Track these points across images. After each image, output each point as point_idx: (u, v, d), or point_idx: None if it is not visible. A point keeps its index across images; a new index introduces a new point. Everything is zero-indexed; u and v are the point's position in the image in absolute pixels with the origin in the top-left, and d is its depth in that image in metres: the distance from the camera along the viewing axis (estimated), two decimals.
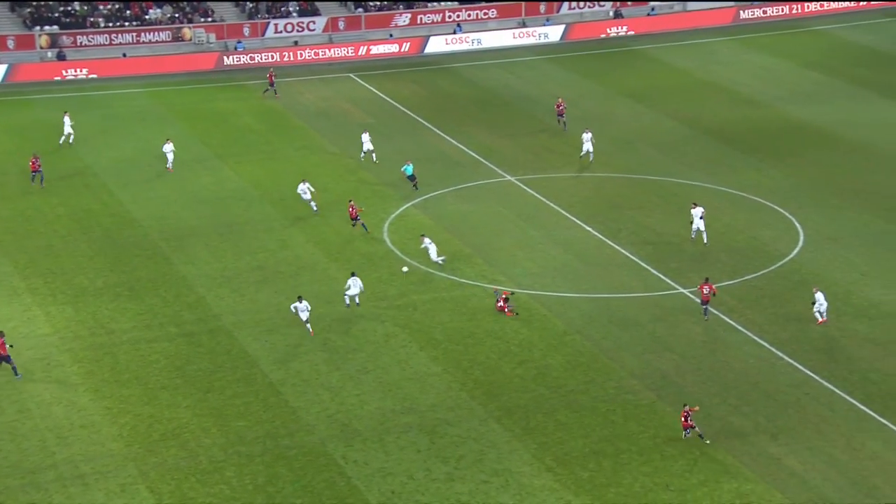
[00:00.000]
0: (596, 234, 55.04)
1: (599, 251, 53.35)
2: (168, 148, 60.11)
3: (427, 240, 50.78)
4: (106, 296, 48.16)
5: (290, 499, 36.42)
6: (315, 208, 56.00)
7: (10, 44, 76.91)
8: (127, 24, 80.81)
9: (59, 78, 76.14)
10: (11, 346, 42.27)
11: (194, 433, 39.53)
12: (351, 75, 79.26)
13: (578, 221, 56.34)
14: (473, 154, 65.17)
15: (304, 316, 45.28)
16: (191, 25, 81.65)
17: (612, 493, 36.62)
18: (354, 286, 46.85)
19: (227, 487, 36.89)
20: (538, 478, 37.40)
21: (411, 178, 58.80)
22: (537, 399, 41.67)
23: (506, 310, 46.83)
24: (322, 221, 55.89)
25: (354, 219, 53.78)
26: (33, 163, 57.25)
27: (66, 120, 64.38)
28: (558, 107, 67.57)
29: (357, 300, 47.06)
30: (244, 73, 79.12)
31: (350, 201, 54.33)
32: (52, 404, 40.79)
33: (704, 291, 46.31)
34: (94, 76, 76.77)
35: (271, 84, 73.69)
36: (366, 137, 62.58)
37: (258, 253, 52.62)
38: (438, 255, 50.69)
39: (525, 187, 60.55)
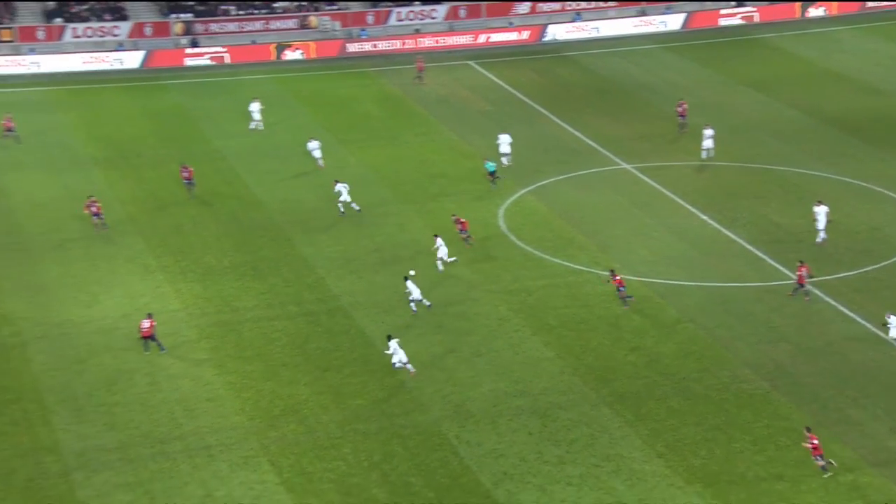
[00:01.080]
0: (712, 222, 53.90)
1: (715, 240, 52.23)
2: (314, 146, 59.81)
3: (439, 240, 48.99)
4: (231, 275, 48.93)
5: (405, 476, 36.51)
6: (357, 208, 54.16)
7: (148, 31, 78.64)
8: (256, 12, 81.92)
9: (191, 63, 77.57)
10: (155, 324, 42.97)
11: (313, 409, 39.91)
12: (470, 63, 79.04)
13: (694, 210, 55.24)
14: (589, 142, 64.41)
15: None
16: (317, 13, 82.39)
17: (724, 480, 35.85)
18: (414, 290, 45.33)
19: (344, 463, 37.16)
20: (649, 463, 36.81)
21: (492, 174, 57.47)
22: (649, 385, 41.01)
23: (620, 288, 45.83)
24: (438, 206, 55.85)
25: (463, 231, 50.94)
26: (184, 172, 56.12)
27: (256, 106, 64.78)
28: (680, 107, 65.16)
29: (425, 302, 45.34)
30: (366, 60, 79.55)
31: (454, 216, 51.73)
32: (181, 378, 41.62)
33: (801, 273, 45.27)
34: (225, 62, 78.02)
35: (420, 71, 73.72)
36: (504, 139, 59.78)
37: (377, 236, 52.85)
38: (449, 256, 48.86)
39: (641, 175, 59.61)
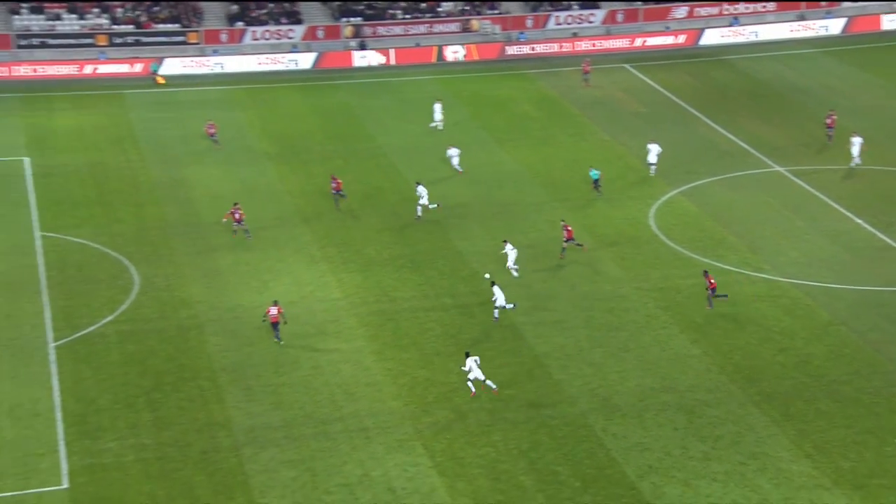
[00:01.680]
0: (866, 226, 52.06)
1: (869, 244, 50.44)
2: (453, 153, 59.78)
3: (509, 246, 48.20)
4: (390, 266, 49.72)
5: (552, 465, 36.52)
6: (434, 205, 53.79)
7: (320, 34, 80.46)
8: (421, 16, 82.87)
9: (359, 64, 79.00)
10: (282, 311, 43.80)
11: (465, 397, 40.25)
12: (626, 66, 78.20)
13: (848, 213, 53.45)
14: (742, 144, 62.98)
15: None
16: (478, 17, 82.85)
17: (874, 484, 34.67)
18: (500, 296, 44.12)
19: (494, 450, 37.39)
20: (796, 464, 35.88)
21: (595, 182, 56.12)
22: (798, 386, 39.94)
23: (713, 288, 44.46)
24: (588, 204, 55.54)
25: (568, 240, 49.78)
26: (333, 182, 55.45)
27: (437, 107, 65.59)
28: (829, 118, 62.80)
29: (508, 306, 44.27)
30: (525, 63, 79.57)
31: (563, 221, 50.57)
32: (341, 363, 42.56)
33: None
34: (391, 63, 79.21)
35: (585, 73, 73.45)
36: (653, 148, 58.19)
37: (529, 232, 52.89)
38: (514, 263, 47.83)
39: (793, 178, 57.98)
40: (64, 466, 36.01)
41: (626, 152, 62.02)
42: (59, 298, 46.09)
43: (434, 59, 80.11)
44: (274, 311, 43.20)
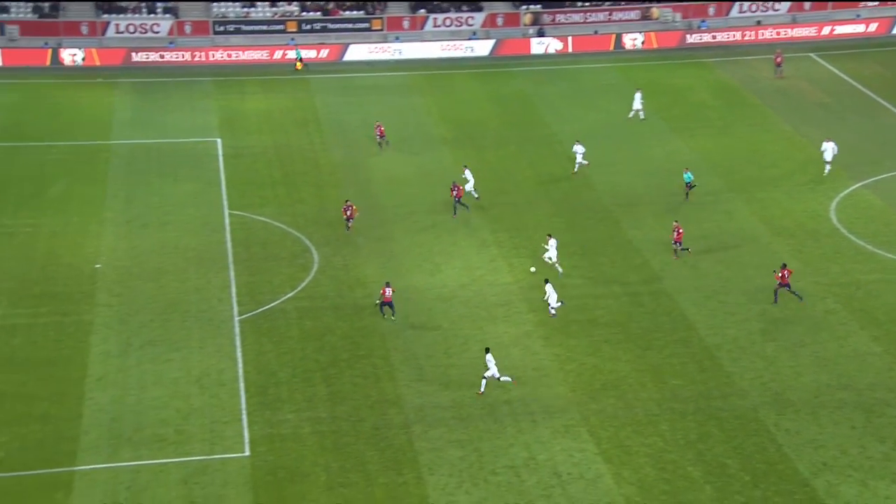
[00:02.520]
0: None
1: None
2: (579, 149, 58.10)
3: (552, 241, 46.87)
4: (561, 252, 49.55)
5: (721, 458, 35.82)
6: (476, 195, 53.31)
7: (499, 21, 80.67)
8: (600, 3, 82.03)
9: (536, 51, 78.84)
10: (395, 291, 44.23)
11: (632, 386, 39.87)
12: (811, 55, 75.48)
13: None
14: None
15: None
16: (659, 4, 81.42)
17: None
18: (552, 295, 43.51)
19: (661, 440, 36.93)
20: None
21: (689, 185, 53.69)
22: None
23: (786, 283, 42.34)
24: (768, 197, 53.99)
25: (677, 242, 48.10)
26: (455, 190, 53.76)
27: (638, 96, 64.50)
28: None
29: (554, 306, 43.44)
30: (705, 51, 77.80)
31: (675, 222, 48.78)
32: (511, 346, 42.75)
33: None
34: (568, 51, 78.76)
35: (778, 65, 71.30)
36: (828, 147, 55.29)
37: (704, 223, 51.81)
38: (557, 259, 46.47)
39: None
40: (246, 435, 37.44)
41: (807, 144, 59.95)
42: (244, 274, 47.82)
43: (612, 47, 79.20)
44: (388, 291, 43.62)
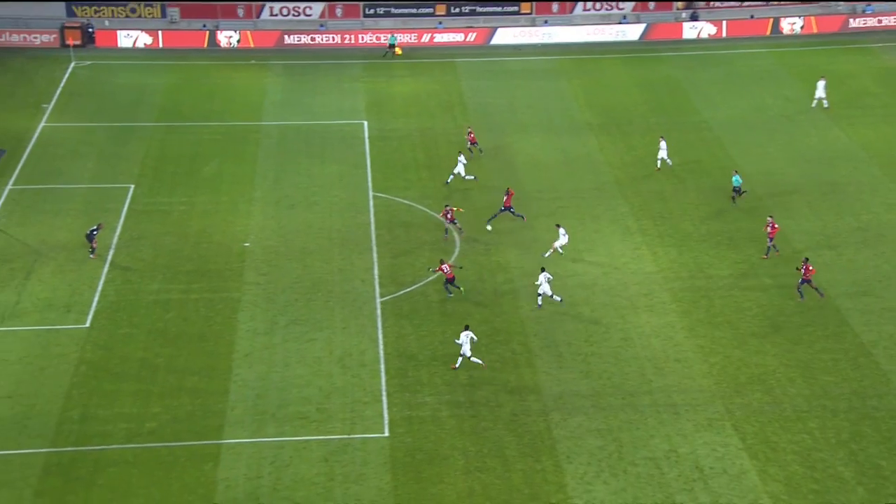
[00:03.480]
0: None
1: None
2: (663, 145, 56.22)
3: (562, 230, 45.59)
4: (707, 242, 48.51)
5: (874, 458, 34.54)
6: (471, 177, 53.01)
7: (651, 5, 79.20)
8: None
9: (688, 37, 77.24)
10: (461, 267, 44.30)
11: (780, 381, 38.77)
12: None
13: None
14: None
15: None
16: None
17: None
18: (544, 284, 42.84)
19: (810, 437, 35.82)
20: None
21: (736, 189, 50.93)
22: None
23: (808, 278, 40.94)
24: None
25: (771, 239, 46.42)
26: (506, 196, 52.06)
27: (821, 84, 62.38)
28: None
29: (542, 299, 42.68)
30: (869, 36, 74.81)
31: (770, 217, 46.89)
32: (652, 336, 42.10)
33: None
34: (722, 35, 76.87)
35: None
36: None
37: (861, 214, 49.92)
38: (561, 249, 44.87)
39: None
40: (385, 416, 37.90)
41: None
42: (387, 256, 48.33)
43: (768, 32, 76.93)
44: (446, 268, 43.72)
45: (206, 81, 68.93)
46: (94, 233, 47.94)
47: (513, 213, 50.29)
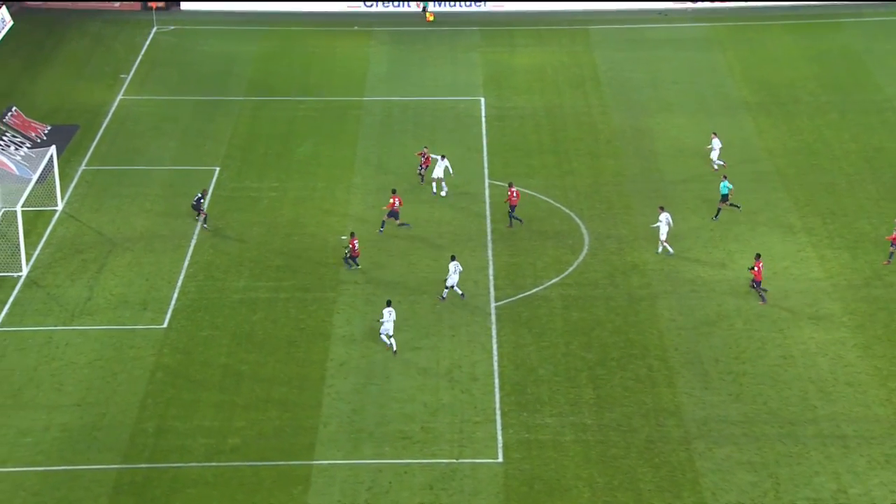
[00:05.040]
0: None
1: None
2: (716, 144, 54.85)
3: (665, 216, 45.68)
4: (888, 245, 47.27)
5: None
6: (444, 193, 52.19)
7: None
8: None
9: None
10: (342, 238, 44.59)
11: None
12: None
13: None
14: None
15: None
16: None
17: None
18: (453, 277, 43.84)
19: None
20: None
21: (725, 198, 49.55)
22: None
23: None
24: None
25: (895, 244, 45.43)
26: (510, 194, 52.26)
27: None
28: None
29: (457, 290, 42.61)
30: None
31: None
32: (817, 354, 41.27)
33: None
34: None
35: None
36: None
37: None
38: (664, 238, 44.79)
39: None
40: (499, 438, 37.92)
41: None
42: (504, 254, 48.34)
43: None
44: (356, 244, 45.92)
45: (301, 50, 69.91)
46: (201, 200, 49.58)
47: (512, 216, 50.06)
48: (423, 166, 53.23)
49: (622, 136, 58.44)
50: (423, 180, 53.25)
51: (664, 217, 47.30)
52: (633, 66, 66.75)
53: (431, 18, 73.68)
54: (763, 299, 44.14)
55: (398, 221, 49.63)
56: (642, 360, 41.54)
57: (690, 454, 36.97)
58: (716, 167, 54.18)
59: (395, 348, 41.90)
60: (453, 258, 44.62)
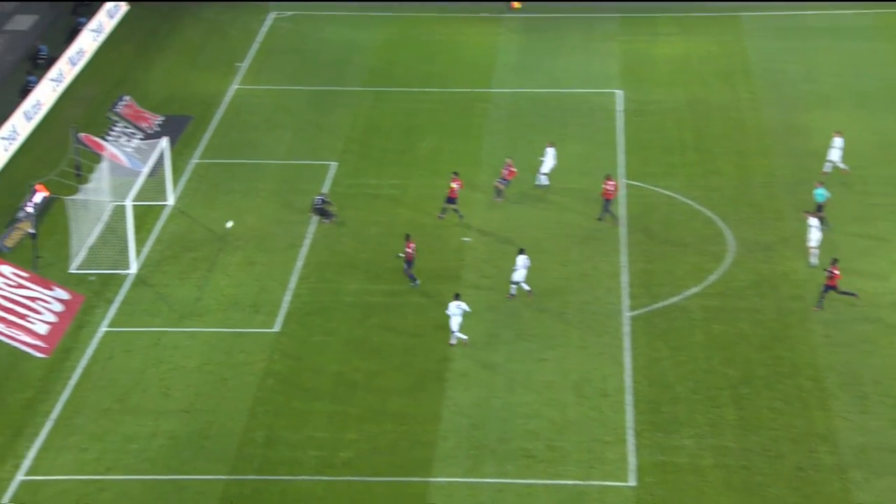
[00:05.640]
0: None
1: None
2: (838, 143, 52.74)
3: (813, 220, 44.24)
4: None
5: None
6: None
7: None
8: None
9: None
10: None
11: None
12: None
13: None
14: None
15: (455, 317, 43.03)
16: None
17: None
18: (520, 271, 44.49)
19: None
20: None
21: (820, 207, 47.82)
22: None
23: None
24: None
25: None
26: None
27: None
28: None
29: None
30: None
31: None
32: None
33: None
34: None
35: None
36: None
37: None
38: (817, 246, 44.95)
39: None
40: (632, 460, 37.50)
41: None
42: (639, 260, 47.86)
43: None
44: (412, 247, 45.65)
45: (426, 38, 70.18)
46: (322, 201, 50.44)
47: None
48: (505, 180, 52.26)
49: (773, 133, 57.51)
50: (499, 195, 52.21)
51: (813, 222, 46.33)
52: (787, 57, 65.65)
53: (517, 6, 73.17)
54: (820, 305, 43.59)
55: (454, 207, 50.14)
56: (792, 380, 40.73)
57: (846, 484, 36.15)
58: (828, 169, 52.60)
59: (453, 341, 42.50)
60: (522, 251, 44.88)
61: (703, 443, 38.11)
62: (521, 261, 44.84)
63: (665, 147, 56.88)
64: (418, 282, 45.94)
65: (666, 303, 45.17)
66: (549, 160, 52.64)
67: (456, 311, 42.40)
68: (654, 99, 61.71)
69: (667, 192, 52.72)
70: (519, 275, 44.71)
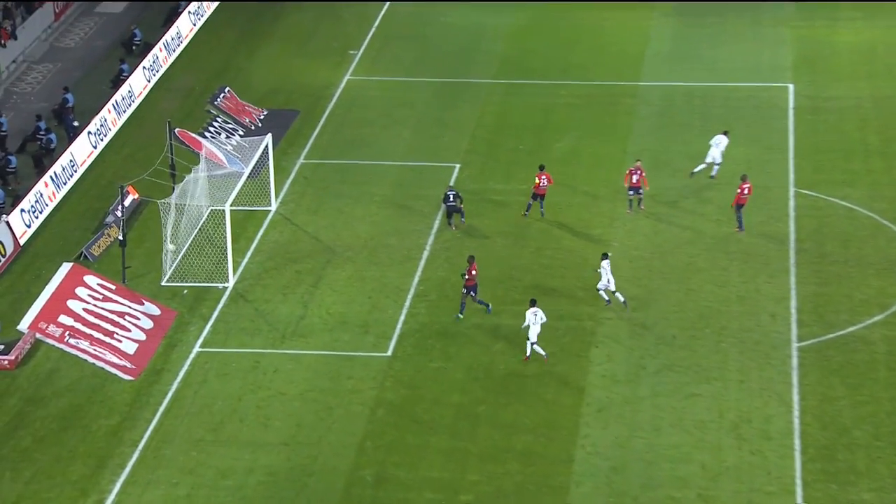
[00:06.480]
0: None
1: None
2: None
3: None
4: None
5: None
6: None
7: None
8: None
9: None
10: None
11: None
12: None
13: None
14: None
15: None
16: None
17: None
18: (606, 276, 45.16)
19: None
20: None
21: None
22: None
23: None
24: None
25: None
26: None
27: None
28: None
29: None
30: None
31: None
32: None
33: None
34: None
35: None
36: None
37: None
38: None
39: None
40: None
41: None
42: (811, 282, 47.29)
43: None
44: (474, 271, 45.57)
45: (565, 24, 70.25)
46: (454, 195, 50.71)
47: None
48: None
49: None
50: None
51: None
52: None
53: None
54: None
55: (540, 204, 51.16)
56: None
57: None
58: None
59: (528, 353, 43.24)
60: (606, 256, 45.69)
61: (886, 498, 37.46)
62: (607, 264, 45.33)
63: (844, 151, 56.31)
64: (481, 308, 45.95)
65: (843, 332, 44.66)
66: (717, 151, 52.50)
67: (533, 319, 42.66)
68: (833, 95, 61.20)
69: (845, 204, 52.13)
70: (604, 282, 45.34)
